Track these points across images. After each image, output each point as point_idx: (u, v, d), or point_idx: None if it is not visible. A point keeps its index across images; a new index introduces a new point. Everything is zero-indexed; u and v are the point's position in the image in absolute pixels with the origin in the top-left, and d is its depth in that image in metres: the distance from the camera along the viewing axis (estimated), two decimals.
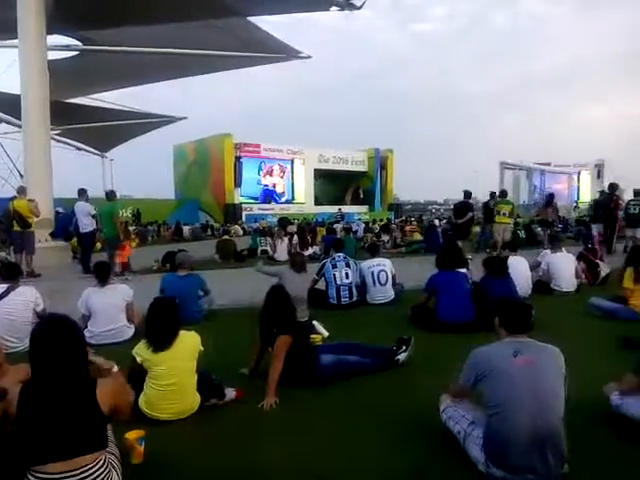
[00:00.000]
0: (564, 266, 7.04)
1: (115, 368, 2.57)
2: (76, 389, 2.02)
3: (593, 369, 3.45)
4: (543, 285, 6.92)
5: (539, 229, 15.65)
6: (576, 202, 34.45)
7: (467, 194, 12.51)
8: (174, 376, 2.96)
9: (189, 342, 3.08)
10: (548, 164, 36.87)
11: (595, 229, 11.62)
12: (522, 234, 15.61)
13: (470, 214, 11.90)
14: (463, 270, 5.71)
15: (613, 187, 11.51)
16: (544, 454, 2.18)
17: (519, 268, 6.38)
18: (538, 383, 2.23)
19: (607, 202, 11.30)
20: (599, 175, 39.32)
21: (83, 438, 1.97)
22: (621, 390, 2.77)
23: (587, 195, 37.79)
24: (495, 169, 33.13)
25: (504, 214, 12.03)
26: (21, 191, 9.85)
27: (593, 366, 3.59)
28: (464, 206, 12.03)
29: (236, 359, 3.94)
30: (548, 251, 7.57)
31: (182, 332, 3.09)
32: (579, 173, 38.90)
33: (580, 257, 7.73)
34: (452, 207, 13.18)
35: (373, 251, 6.97)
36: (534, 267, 7.05)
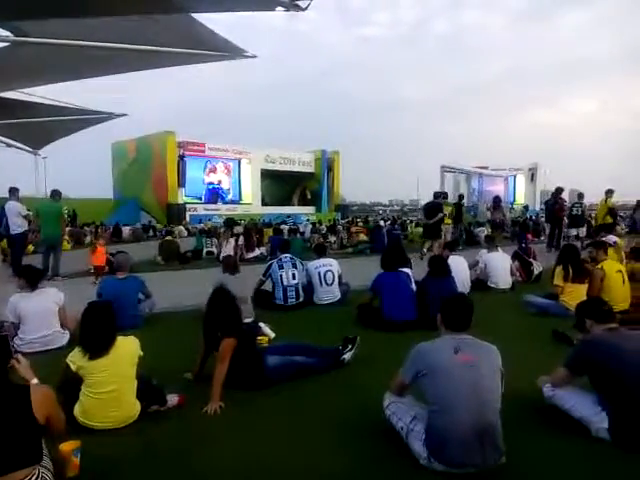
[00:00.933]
0: (500, 265, 7.40)
1: (34, 381, 2.41)
2: (7, 398, 1.87)
3: (528, 362, 3.63)
4: (481, 283, 7.23)
5: (477, 229, 16.37)
6: (512, 204, 36.19)
7: (437, 195, 12.66)
8: (112, 383, 2.83)
9: (127, 348, 2.95)
10: (485, 168, 38.49)
11: (548, 228, 12.84)
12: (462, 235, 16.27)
13: (440, 214, 11.86)
14: (407, 270, 5.85)
15: (558, 191, 12.46)
16: (483, 447, 2.27)
17: (459, 267, 6.62)
18: (477, 380, 2.32)
19: (552, 204, 12.33)
20: (533, 178, 41.63)
21: (17, 451, 1.83)
22: (552, 382, 2.93)
23: (522, 197, 39.81)
24: (436, 171, 34.23)
25: (445, 215, 12.47)
26: None
27: (528, 359, 3.78)
28: (435, 206, 11.99)
29: (179, 364, 3.83)
30: (485, 251, 7.91)
31: (120, 337, 2.97)
32: (514, 176, 40.90)
33: (515, 256, 8.15)
34: (423, 207, 13.51)
35: (320, 252, 7.00)
36: (472, 266, 7.35)
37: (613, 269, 5.49)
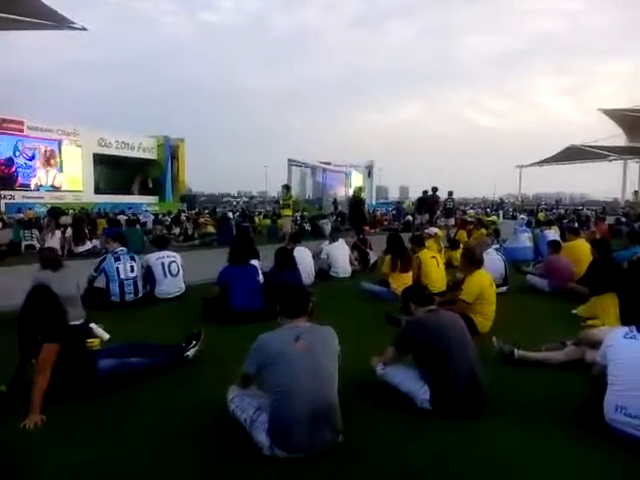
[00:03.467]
0: (340, 255, 7.88)
1: None
2: None
3: (364, 343, 3.91)
4: (323, 273, 7.61)
5: (322, 222, 17.18)
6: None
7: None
8: None
9: None
10: (329, 163, 40.56)
11: (420, 218, 15.46)
12: (307, 227, 16.94)
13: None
14: (254, 262, 5.88)
15: (435, 189, 14.99)
16: (323, 430, 2.39)
17: (304, 258, 6.88)
18: (316, 365, 2.43)
19: (431, 199, 14.93)
20: (370, 174, 45.32)
21: None
22: (383, 361, 3.21)
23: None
24: (284, 164, 34.97)
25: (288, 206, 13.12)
26: None
27: (364, 341, 4.08)
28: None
29: None
30: (327, 242, 8.35)
31: None
32: (352, 172, 43.97)
33: (354, 247, 8.76)
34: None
35: (160, 244, 6.62)
36: (316, 255, 7.71)
37: (427, 256, 6.34)
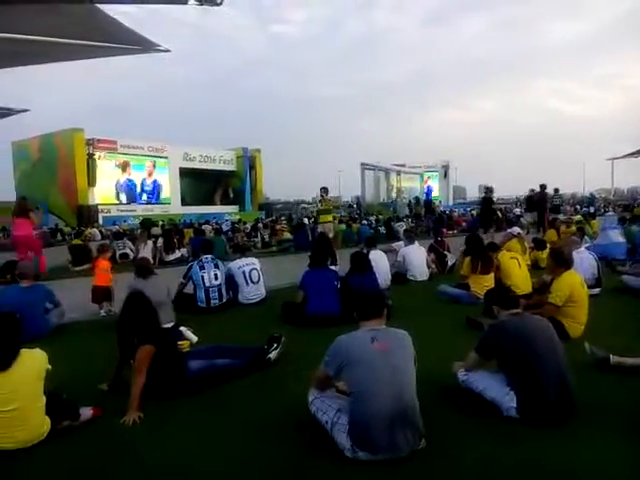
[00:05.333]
0: (417, 257, 7.75)
1: None
2: None
3: (443, 348, 3.82)
4: (400, 276, 7.52)
5: (397, 224, 17.01)
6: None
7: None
8: (15, 401, 2.59)
9: (32, 361, 2.72)
10: (403, 165, 40.08)
11: (530, 216, 16.13)
12: (382, 230, 16.85)
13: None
14: (333, 267, 5.98)
15: (543, 187, 14.56)
16: (404, 432, 2.36)
17: (381, 262, 6.86)
18: (394, 366, 2.42)
19: (539, 196, 14.65)
20: (445, 175, 44.14)
21: None
22: (465, 367, 3.11)
23: (436, 193, 41.94)
24: (357, 169, 35.04)
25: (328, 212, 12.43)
26: None
27: (443, 345, 3.99)
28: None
29: (94, 374, 3.61)
30: (402, 243, 8.25)
31: (24, 351, 2.73)
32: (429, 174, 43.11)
33: (431, 249, 8.59)
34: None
35: (242, 251, 6.93)
36: (389, 251, 7.81)
37: (507, 257, 6.03)
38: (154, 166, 32.81)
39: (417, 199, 25.16)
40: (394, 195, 35.52)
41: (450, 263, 8.41)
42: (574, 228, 10.35)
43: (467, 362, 3.10)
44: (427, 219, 19.39)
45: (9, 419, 2.59)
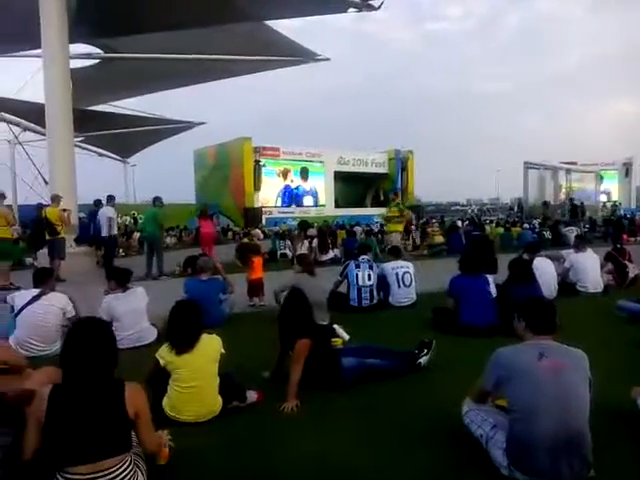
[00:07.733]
0: (589, 266, 6.90)
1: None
2: (106, 392, 2.06)
3: (620, 371, 3.37)
4: (569, 286, 6.78)
5: (566, 229, 15.35)
6: (603, 202, 33.63)
7: None
8: (196, 379, 2.99)
9: (211, 345, 3.11)
10: (574, 163, 36.01)
11: None
12: (547, 234, 15.37)
13: None
14: (487, 274, 5.57)
15: None
16: (569, 458, 2.14)
17: (546, 269, 6.28)
18: (564, 387, 2.19)
19: None
20: (627, 173, 38.26)
21: (110, 441, 2.00)
22: None
23: (615, 194, 36.88)
24: (517, 168, 32.52)
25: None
26: (54, 199, 9.90)
27: (620, 368, 3.51)
28: None
29: (258, 362, 3.97)
30: (572, 251, 7.42)
31: (204, 335, 3.13)
32: (606, 172, 37.98)
33: (608, 257, 7.57)
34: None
35: (396, 253, 6.96)
36: (556, 258, 7.03)
37: None
38: (310, 171, 34.80)
39: (571, 200, 22.50)
40: (562, 197, 32.09)
41: (632, 275, 7.32)
42: None
43: None
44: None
45: (189, 394, 2.99)
